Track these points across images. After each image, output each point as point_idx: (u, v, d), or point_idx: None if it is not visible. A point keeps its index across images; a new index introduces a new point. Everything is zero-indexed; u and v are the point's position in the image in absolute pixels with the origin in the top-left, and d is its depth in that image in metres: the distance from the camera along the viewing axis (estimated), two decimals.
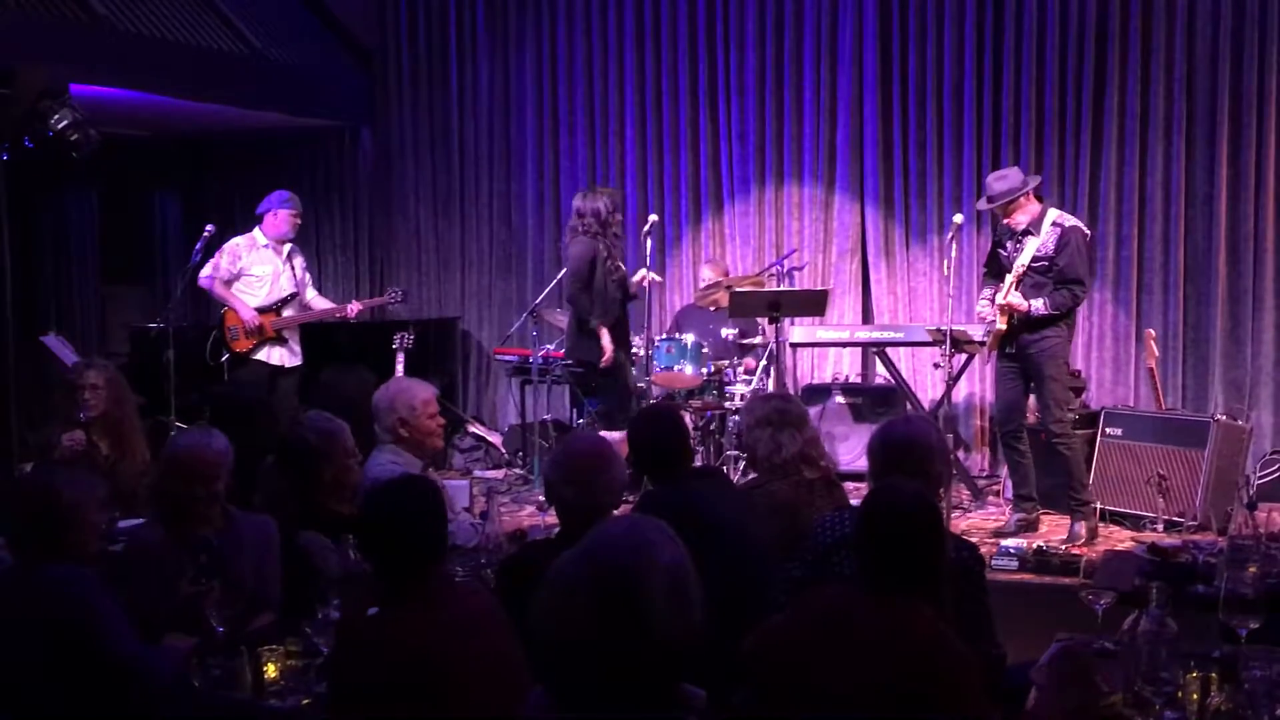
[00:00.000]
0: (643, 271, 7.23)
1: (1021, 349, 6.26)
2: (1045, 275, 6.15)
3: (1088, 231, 6.41)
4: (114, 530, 4.47)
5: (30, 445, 5.86)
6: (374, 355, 7.95)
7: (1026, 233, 6.22)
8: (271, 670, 3.06)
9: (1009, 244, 6.31)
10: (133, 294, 10.45)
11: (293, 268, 7.54)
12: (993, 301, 6.31)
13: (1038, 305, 6.11)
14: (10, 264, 6.50)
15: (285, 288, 7.47)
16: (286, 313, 7.47)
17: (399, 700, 2.63)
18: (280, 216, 7.43)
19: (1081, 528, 6.21)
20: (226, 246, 7.41)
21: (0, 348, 6.65)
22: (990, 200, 6.32)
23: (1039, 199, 6.35)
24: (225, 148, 10.06)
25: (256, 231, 7.46)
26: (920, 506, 2.82)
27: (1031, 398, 6.45)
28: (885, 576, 2.70)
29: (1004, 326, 6.23)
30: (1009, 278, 6.17)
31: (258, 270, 7.40)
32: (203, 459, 3.77)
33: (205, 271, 7.38)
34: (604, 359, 6.82)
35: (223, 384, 7.34)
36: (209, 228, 7.40)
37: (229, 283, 7.35)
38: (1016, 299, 6.12)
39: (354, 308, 7.86)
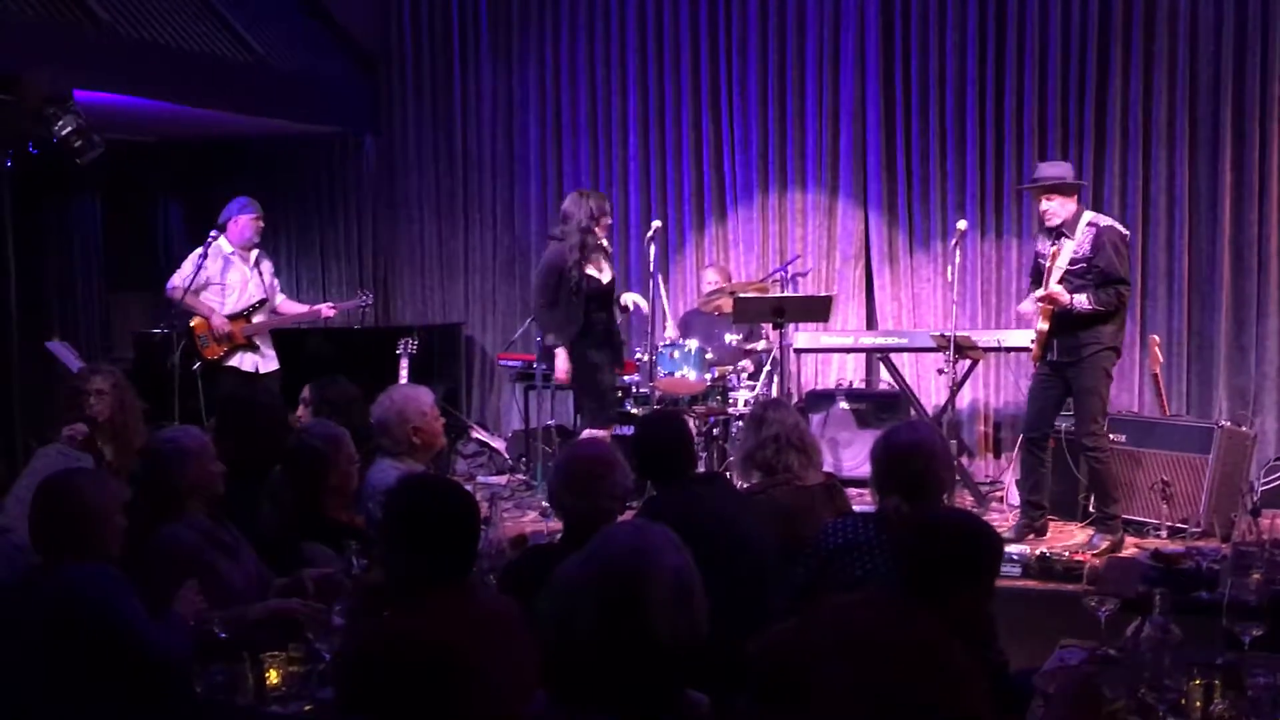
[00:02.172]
0: (628, 297, 7.19)
1: (1062, 357, 6.08)
2: (1084, 278, 5.96)
3: (1125, 231, 6.23)
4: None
5: (35, 450, 5.86)
6: (378, 361, 7.95)
7: (1061, 234, 6.07)
8: (274, 676, 3.06)
9: (1047, 248, 6.14)
10: (137, 300, 10.45)
11: (260, 273, 7.53)
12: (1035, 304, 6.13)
13: (1081, 300, 5.90)
14: (14, 269, 6.53)
15: (254, 294, 7.46)
16: (257, 319, 7.46)
17: (418, 697, 2.62)
18: (241, 222, 7.41)
19: (1104, 540, 6.09)
20: (191, 256, 7.37)
21: (4, 353, 6.67)
22: (1035, 181, 6.19)
23: (1078, 202, 6.15)
24: (229, 154, 10.07)
25: (221, 240, 7.43)
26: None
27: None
28: (936, 588, 2.71)
29: (1045, 325, 6.03)
30: (1041, 289, 6.01)
31: (225, 278, 7.39)
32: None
33: (173, 282, 7.35)
34: (557, 375, 6.87)
35: (235, 388, 7.34)
36: (213, 234, 7.40)
37: (197, 292, 7.32)
38: (1058, 289, 5.92)
39: (328, 310, 7.89)
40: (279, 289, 7.79)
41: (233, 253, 7.42)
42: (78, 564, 3.20)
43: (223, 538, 3.79)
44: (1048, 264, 6.06)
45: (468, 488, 6.13)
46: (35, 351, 7.45)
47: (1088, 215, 6.10)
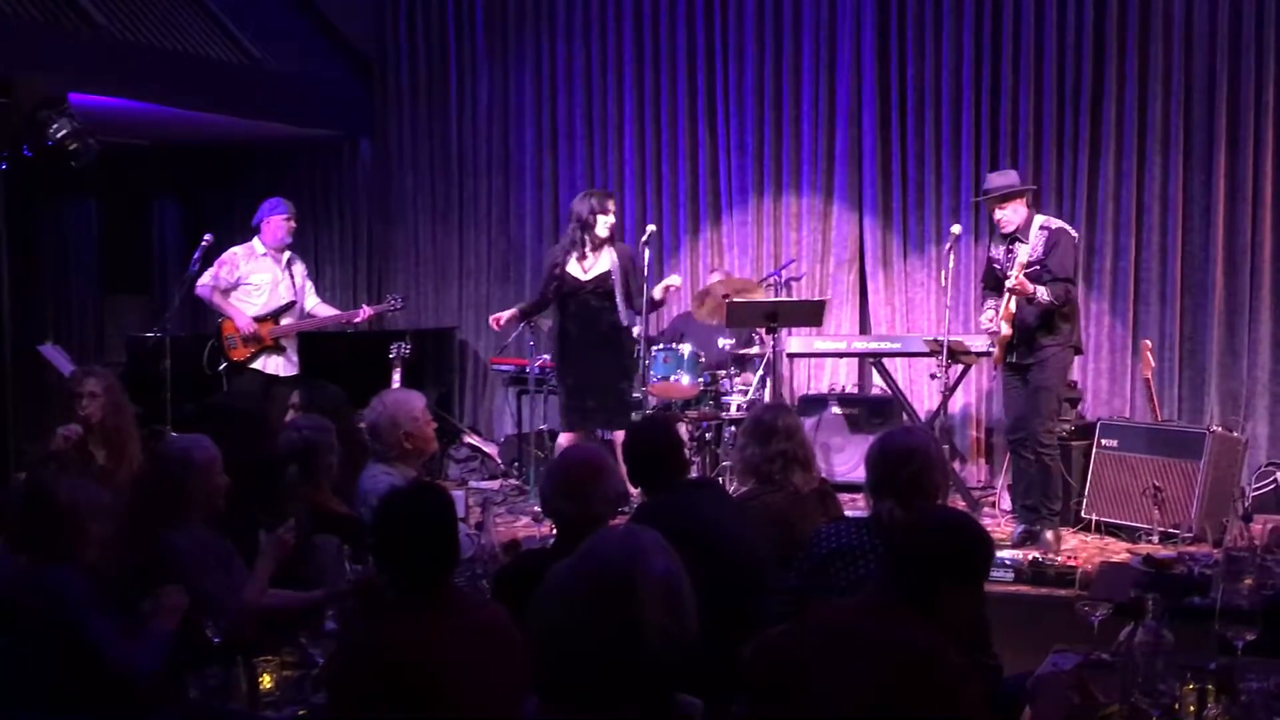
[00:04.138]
0: (668, 281, 7.22)
1: (1023, 359, 6.30)
2: (1038, 281, 6.16)
3: (1075, 234, 6.47)
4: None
5: (27, 455, 5.85)
6: (371, 366, 7.93)
7: (1015, 239, 6.27)
8: (267, 681, 3.06)
9: (1002, 254, 6.36)
10: (131, 303, 10.45)
11: (292, 276, 7.55)
12: (997, 311, 6.31)
13: (1042, 292, 6.10)
14: (8, 273, 6.51)
15: (284, 296, 7.48)
16: (285, 321, 7.47)
17: (405, 707, 2.62)
18: (274, 223, 7.45)
19: (1051, 535, 6.25)
20: (225, 256, 7.42)
21: None
22: (985, 193, 6.41)
23: (1028, 207, 6.38)
24: (224, 158, 10.07)
25: (255, 241, 7.49)
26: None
27: None
28: (923, 592, 2.69)
29: (1008, 331, 6.22)
30: (1011, 279, 6.13)
31: (256, 279, 7.42)
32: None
33: (203, 281, 7.40)
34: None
35: (216, 394, 7.34)
36: (207, 237, 7.41)
37: (227, 292, 7.36)
38: (1024, 280, 6.08)
39: (365, 312, 7.89)
40: (312, 291, 7.81)
41: (265, 254, 7.46)
42: (50, 569, 3.19)
43: (216, 549, 3.79)
44: (1006, 269, 6.23)
45: (459, 493, 6.12)
46: (28, 355, 7.44)
47: (1039, 219, 6.33)
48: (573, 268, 6.98)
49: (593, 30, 9.19)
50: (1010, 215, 6.31)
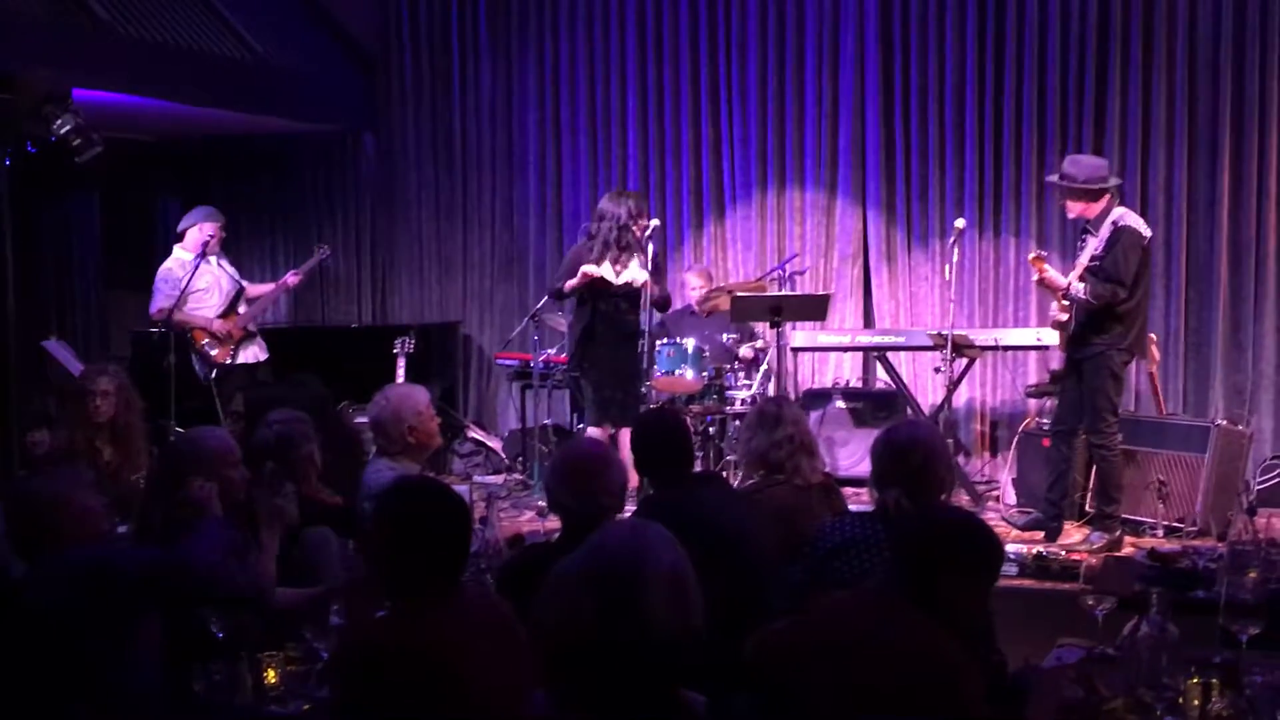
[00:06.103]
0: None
1: (1074, 353, 6.19)
2: (1095, 275, 6.02)
3: (1145, 234, 6.14)
4: (113, 536, 4.49)
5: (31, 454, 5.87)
6: (375, 360, 7.95)
7: (1087, 231, 6.15)
8: (272, 676, 3.06)
9: (1079, 245, 6.27)
10: (134, 299, 10.44)
11: (224, 268, 7.70)
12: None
13: (1078, 287, 5.97)
14: (12, 268, 6.52)
15: (229, 288, 7.62)
16: (242, 309, 7.63)
17: (411, 703, 2.61)
18: (207, 230, 7.53)
19: (1101, 539, 6.11)
20: (161, 275, 7.48)
21: (1, 352, 6.66)
22: (1062, 177, 6.23)
23: (1109, 198, 6.16)
24: (228, 153, 10.06)
25: (178, 250, 7.54)
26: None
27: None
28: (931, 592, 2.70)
29: (1064, 316, 6.12)
30: (1035, 274, 6.14)
31: (201, 284, 7.47)
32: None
33: (157, 304, 7.44)
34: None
35: (264, 388, 7.41)
36: (207, 241, 7.43)
37: (180, 307, 7.37)
38: (1052, 274, 6.02)
39: (291, 279, 8.04)
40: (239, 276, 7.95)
41: (194, 258, 7.49)
42: (67, 551, 3.21)
43: (229, 540, 3.78)
44: (1077, 260, 6.14)
45: (463, 487, 6.14)
46: (32, 350, 7.45)
47: (1117, 212, 6.11)
48: (605, 270, 6.87)
49: (596, 24, 9.17)
50: (1070, 204, 6.18)
